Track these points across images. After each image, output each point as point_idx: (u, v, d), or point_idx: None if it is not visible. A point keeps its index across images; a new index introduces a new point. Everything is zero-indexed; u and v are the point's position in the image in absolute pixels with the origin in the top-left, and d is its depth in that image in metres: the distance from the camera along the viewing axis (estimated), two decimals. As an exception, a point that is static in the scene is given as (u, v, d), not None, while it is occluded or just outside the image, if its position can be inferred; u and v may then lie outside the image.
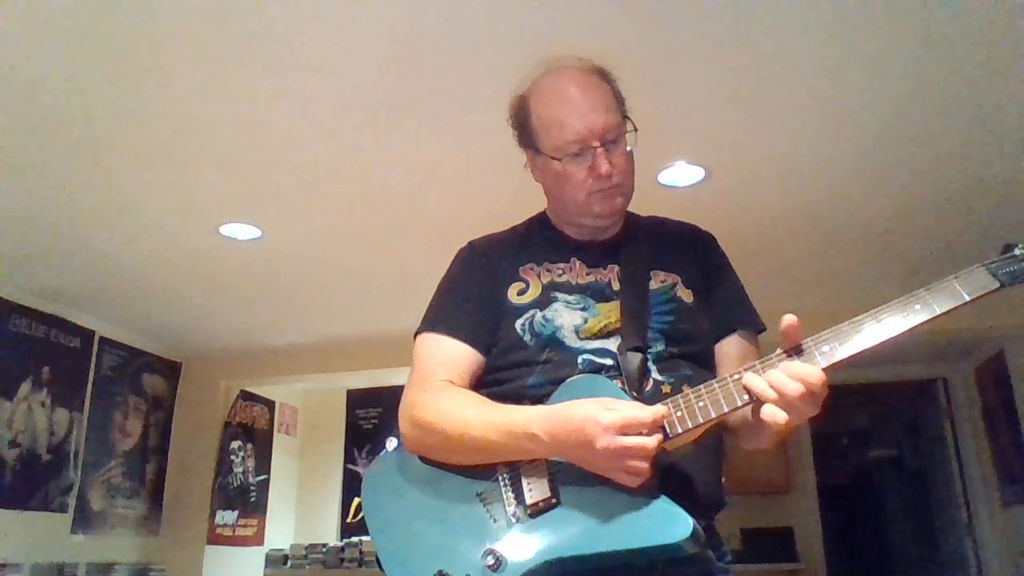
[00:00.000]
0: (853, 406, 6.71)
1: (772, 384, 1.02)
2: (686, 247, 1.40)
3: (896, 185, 3.29)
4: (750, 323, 1.36)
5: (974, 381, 5.66)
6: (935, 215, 3.56)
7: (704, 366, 1.28)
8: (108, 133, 2.79)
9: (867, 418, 7.39)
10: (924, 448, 6.62)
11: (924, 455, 6.62)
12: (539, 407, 1.14)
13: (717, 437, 1.25)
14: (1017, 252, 1.03)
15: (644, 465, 1.04)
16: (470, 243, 1.43)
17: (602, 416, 1.04)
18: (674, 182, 3.22)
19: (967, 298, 1.01)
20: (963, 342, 5.28)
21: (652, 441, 1.03)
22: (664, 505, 1.06)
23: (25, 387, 4.26)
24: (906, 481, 7.18)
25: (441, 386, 1.24)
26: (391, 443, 1.29)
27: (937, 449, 6.15)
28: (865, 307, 1.06)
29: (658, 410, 1.06)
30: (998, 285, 1.00)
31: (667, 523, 1.04)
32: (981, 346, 5.32)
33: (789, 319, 1.05)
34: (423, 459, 1.25)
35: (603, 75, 1.32)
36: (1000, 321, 4.38)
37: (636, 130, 1.30)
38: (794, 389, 1.01)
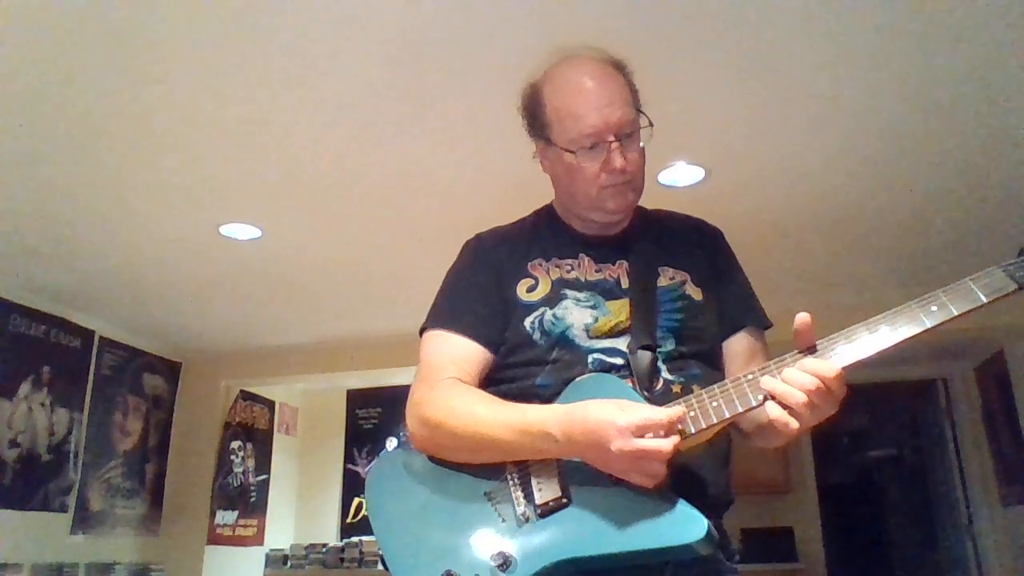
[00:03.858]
0: (853, 406, 6.65)
1: (787, 381, 1.02)
2: (694, 243, 1.38)
3: (897, 185, 3.29)
4: (758, 320, 1.35)
5: (974, 381, 5.65)
6: (937, 214, 3.56)
7: (712, 365, 1.27)
8: (108, 133, 2.78)
9: (867, 418, 7.38)
10: (924, 448, 6.62)
11: (924, 455, 6.62)
12: (554, 406, 1.13)
13: (726, 436, 1.24)
14: None
15: (660, 467, 1.02)
16: (477, 236, 1.39)
17: (619, 418, 1.02)
18: (674, 182, 3.22)
19: (984, 300, 1.00)
20: (963, 342, 5.27)
21: (668, 443, 1.01)
22: (678, 505, 1.04)
23: (25, 387, 4.25)
24: (906, 481, 7.19)
25: (450, 383, 1.22)
26: (391, 444, 1.27)
27: (937, 449, 6.15)
28: (866, 307, 1.05)
29: (675, 411, 1.04)
30: (1015, 287, 0.99)
31: (681, 524, 1.03)
32: (981, 346, 5.31)
33: (803, 318, 1.04)
34: (430, 457, 1.23)
35: (619, 67, 1.29)
36: (1000, 321, 4.37)
37: (651, 124, 1.27)
38: (808, 383, 1.00)
